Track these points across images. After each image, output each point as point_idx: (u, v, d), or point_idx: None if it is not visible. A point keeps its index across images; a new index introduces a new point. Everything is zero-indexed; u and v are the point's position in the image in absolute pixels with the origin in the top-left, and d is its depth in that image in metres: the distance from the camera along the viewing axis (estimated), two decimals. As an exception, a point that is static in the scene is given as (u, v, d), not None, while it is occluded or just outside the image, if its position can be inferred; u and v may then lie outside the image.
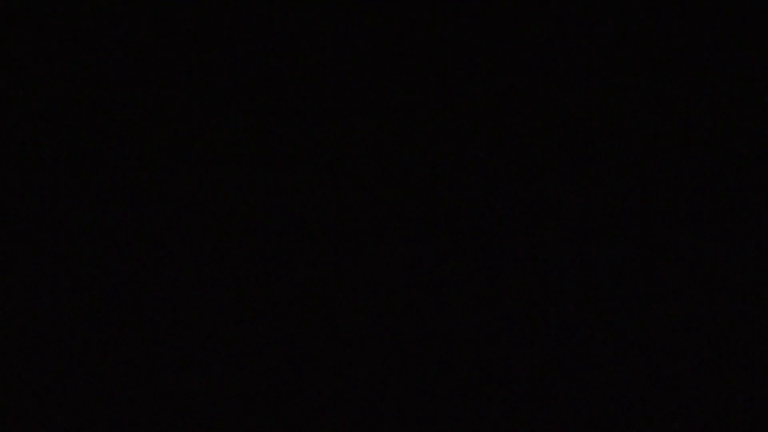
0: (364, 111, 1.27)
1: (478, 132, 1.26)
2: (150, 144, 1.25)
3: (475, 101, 1.27)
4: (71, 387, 1.20)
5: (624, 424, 1.18)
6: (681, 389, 1.19)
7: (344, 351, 1.21)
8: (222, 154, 1.26)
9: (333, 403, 1.20)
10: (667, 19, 1.25)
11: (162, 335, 1.21)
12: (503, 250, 1.24)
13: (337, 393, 1.20)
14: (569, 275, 1.22)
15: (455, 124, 1.27)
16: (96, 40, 1.25)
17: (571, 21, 1.25)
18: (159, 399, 1.19)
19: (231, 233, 1.25)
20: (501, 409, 1.19)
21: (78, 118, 1.25)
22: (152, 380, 1.20)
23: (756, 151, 1.23)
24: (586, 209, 1.24)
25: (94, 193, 1.24)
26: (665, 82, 1.26)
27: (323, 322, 1.22)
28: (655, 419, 1.18)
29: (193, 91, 1.26)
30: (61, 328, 1.21)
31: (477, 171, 1.26)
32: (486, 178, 1.25)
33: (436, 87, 1.27)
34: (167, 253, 1.23)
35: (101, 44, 1.25)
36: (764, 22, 1.24)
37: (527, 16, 1.26)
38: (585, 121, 1.26)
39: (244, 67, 1.27)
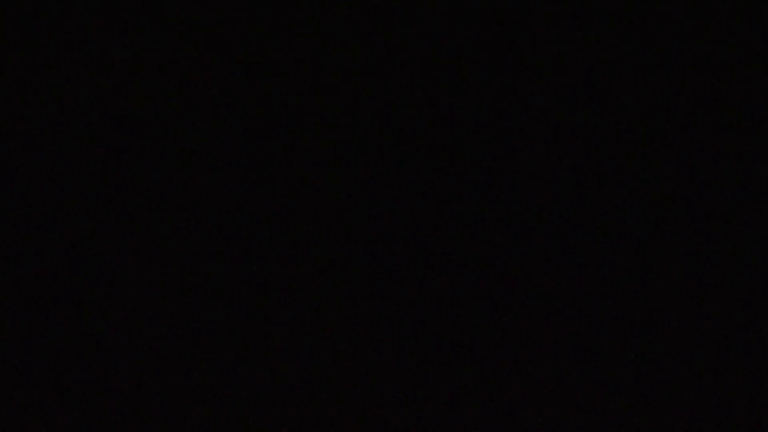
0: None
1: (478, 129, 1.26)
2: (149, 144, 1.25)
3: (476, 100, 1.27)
4: (71, 387, 1.20)
5: (624, 424, 1.17)
6: (680, 389, 1.19)
7: (343, 350, 1.21)
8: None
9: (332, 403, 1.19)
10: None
11: (161, 336, 1.21)
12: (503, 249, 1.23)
13: (337, 393, 1.20)
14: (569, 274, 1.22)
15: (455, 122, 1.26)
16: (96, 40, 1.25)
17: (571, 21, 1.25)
18: (158, 399, 1.19)
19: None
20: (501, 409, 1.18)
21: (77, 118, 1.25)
22: (151, 380, 1.20)
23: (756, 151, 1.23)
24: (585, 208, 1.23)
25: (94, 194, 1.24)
26: (664, 82, 1.25)
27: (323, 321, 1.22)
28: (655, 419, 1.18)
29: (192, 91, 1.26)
30: (61, 327, 1.21)
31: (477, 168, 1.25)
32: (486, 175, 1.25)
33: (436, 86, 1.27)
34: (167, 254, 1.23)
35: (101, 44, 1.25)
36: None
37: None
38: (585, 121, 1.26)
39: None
